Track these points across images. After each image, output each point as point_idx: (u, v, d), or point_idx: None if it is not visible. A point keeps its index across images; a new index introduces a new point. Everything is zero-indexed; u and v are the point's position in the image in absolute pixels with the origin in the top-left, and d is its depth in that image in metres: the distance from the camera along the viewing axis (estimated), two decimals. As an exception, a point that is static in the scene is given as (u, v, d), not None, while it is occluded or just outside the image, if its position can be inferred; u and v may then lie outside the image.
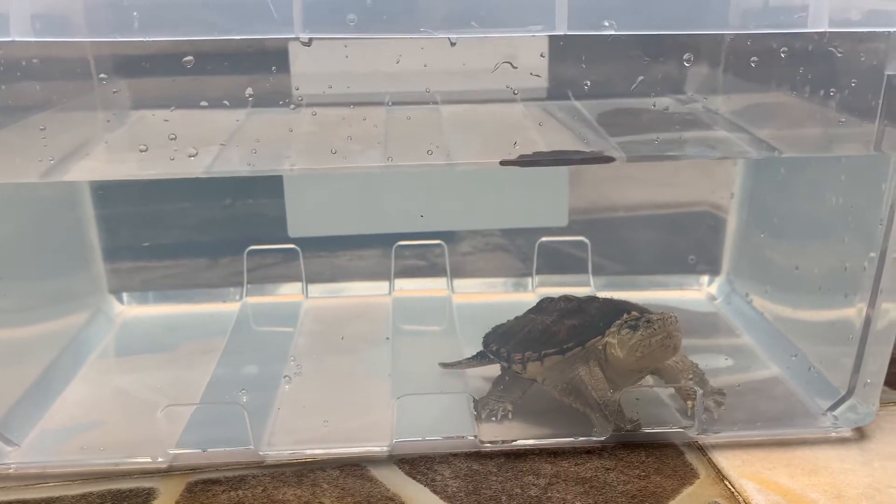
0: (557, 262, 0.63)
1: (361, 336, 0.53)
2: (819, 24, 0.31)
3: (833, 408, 0.42)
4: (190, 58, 0.35)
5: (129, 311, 0.56)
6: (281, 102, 0.38)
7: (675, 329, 0.39)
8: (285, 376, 0.46)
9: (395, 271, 0.60)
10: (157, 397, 0.44)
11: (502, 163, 0.37)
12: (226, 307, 0.57)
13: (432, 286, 0.61)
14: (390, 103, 0.40)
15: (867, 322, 0.41)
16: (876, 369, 0.41)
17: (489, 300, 0.61)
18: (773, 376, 0.47)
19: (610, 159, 0.39)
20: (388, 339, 0.51)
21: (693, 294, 0.61)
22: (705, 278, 0.62)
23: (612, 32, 0.33)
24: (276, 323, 0.55)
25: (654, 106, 0.39)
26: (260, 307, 0.57)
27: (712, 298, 0.60)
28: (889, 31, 0.35)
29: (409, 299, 0.59)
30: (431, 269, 0.62)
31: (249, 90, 0.37)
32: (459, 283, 0.61)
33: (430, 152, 0.39)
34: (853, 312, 0.42)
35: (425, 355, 0.49)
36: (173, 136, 0.37)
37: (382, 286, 0.60)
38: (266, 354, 0.50)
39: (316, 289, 0.59)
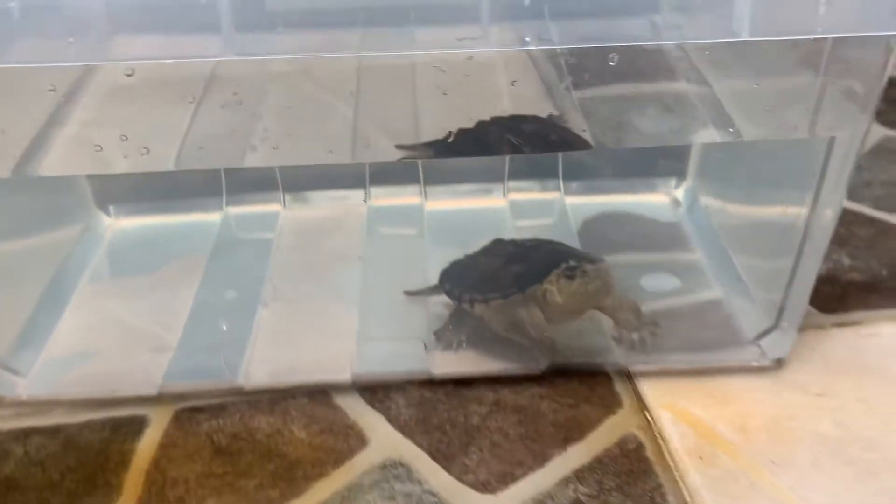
0: (529, 167, 0.66)
1: (336, 252, 0.56)
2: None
3: (759, 337, 0.46)
4: None
5: (117, 224, 0.60)
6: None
7: (609, 277, 0.42)
8: (262, 302, 0.51)
9: (370, 179, 0.63)
10: (147, 325, 0.48)
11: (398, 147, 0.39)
12: (208, 217, 0.61)
13: (406, 192, 0.65)
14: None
15: (800, 248, 0.44)
16: (798, 302, 0.45)
17: (462, 207, 0.65)
18: (716, 300, 0.51)
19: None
20: (360, 257, 0.55)
21: (659, 198, 0.64)
22: (672, 181, 0.65)
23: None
24: (255, 236, 0.59)
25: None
26: (240, 217, 0.61)
27: (677, 204, 0.63)
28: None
29: (384, 208, 0.63)
30: (406, 176, 0.65)
31: None
32: (432, 189, 0.65)
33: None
34: (790, 238, 0.45)
35: (394, 277, 0.53)
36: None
37: (358, 194, 0.63)
38: (245, 275, 0.54)
39: (294, 198, 0.63)
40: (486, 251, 0.47)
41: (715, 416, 0.42)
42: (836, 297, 0.51)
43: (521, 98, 0.41)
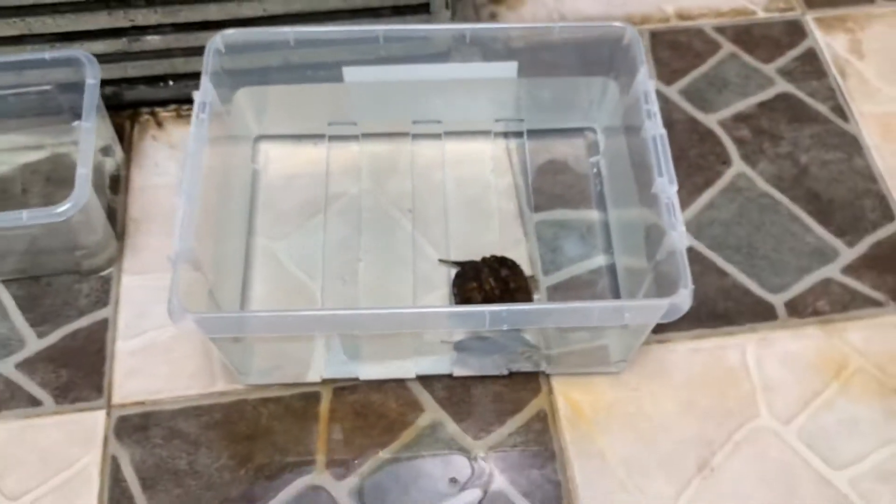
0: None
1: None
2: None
3: (617, 363, 0.91)
4: None
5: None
6: None
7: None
8: (359, 260, 0.96)
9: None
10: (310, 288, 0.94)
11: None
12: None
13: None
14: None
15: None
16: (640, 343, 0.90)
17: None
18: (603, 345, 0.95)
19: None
20: (410, 211, 0.99)
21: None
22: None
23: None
24: (348, 177, 1.02)
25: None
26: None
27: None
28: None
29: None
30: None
31: None
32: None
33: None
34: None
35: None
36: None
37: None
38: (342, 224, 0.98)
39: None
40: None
41: (582, 401, 0.89)
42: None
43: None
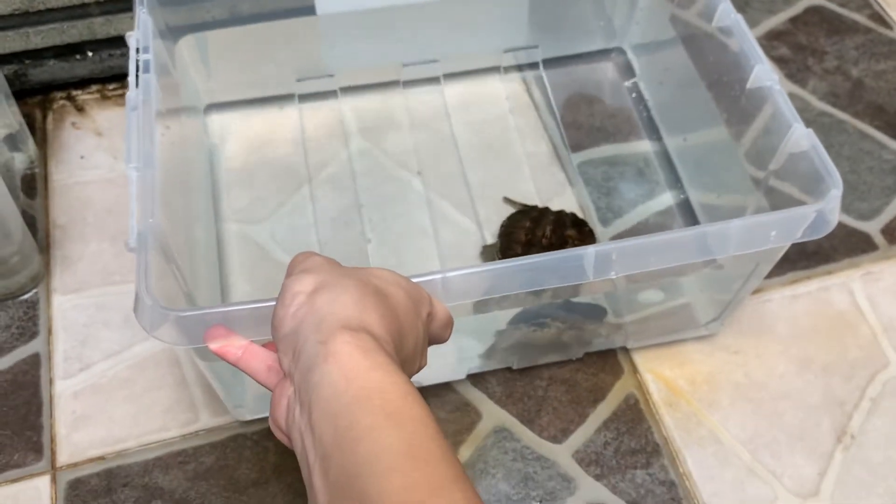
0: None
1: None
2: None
3: (708, 323, 0.73)
4: None
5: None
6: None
7: None
8: (368, 240, 0.74)
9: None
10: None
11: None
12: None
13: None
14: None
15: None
16: (739, 300, 0.71)
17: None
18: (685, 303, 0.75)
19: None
20: (419, 172, 0.78)
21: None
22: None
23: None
24: (332, 140, 0.81)
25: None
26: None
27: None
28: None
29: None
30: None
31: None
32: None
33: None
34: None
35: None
36: None
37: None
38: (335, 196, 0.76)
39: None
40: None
41: (676, 376, 0.71)
42: (746, 268, 0.78)
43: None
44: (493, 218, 0.76)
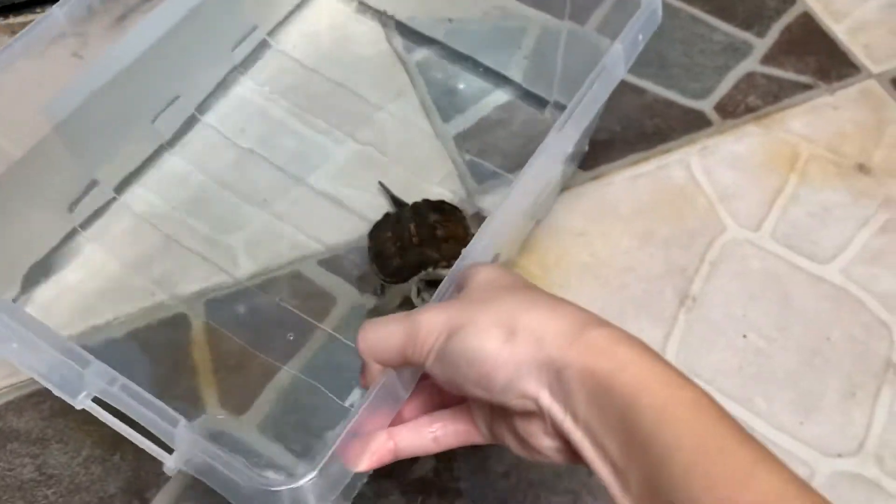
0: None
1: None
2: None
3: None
4: None
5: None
6: None
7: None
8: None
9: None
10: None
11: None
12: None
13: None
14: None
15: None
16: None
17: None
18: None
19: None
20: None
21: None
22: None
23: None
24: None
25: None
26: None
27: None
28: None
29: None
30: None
31: None
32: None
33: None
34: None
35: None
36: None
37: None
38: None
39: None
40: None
41: (530, 262, 0.73)
42: (591, 156, 0.80)
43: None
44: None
